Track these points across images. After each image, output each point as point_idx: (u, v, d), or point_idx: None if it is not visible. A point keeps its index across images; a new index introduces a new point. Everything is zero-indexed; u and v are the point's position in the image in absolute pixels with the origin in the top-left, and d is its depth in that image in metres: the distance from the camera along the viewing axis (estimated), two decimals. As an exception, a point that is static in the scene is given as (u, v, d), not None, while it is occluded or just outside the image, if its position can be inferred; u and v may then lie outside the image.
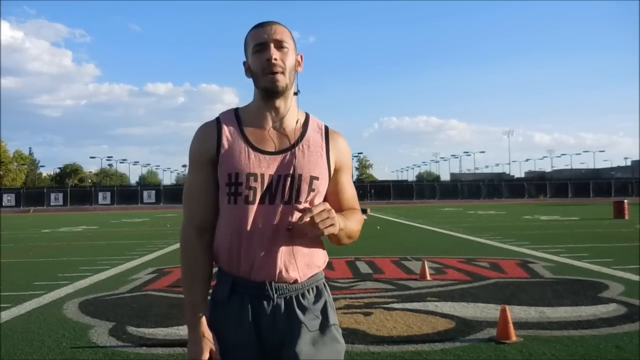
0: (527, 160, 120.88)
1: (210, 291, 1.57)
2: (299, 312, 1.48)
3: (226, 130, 1.50)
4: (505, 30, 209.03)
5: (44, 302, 5.93)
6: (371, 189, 56.28)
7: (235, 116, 1.54)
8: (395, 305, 5.38)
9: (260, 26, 1.49)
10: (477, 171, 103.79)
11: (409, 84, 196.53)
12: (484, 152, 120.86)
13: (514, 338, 4.09)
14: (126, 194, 55.44)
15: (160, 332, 4.56)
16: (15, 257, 10.73)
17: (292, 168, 1.46)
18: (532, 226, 16.97)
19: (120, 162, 79.62)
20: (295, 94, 1.53)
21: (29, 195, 53.23)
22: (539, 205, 40.78)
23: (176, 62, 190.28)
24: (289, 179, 1.45)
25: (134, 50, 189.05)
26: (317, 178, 1.48)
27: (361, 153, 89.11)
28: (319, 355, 1.45)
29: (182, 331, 4.56)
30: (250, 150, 1.47)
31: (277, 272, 1.46)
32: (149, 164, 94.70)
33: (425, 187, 58.84)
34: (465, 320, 4.76)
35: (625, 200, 21.34)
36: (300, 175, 1.46)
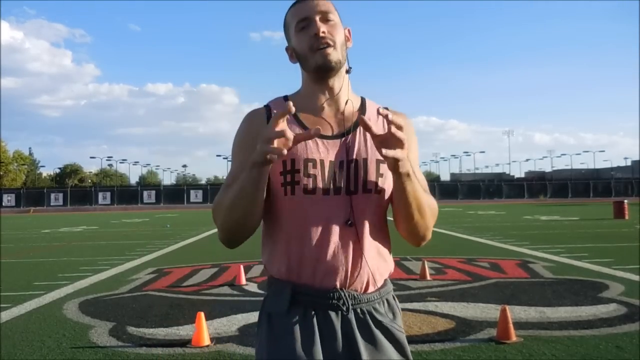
0: (527, 160, 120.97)
1: (260, 307, 1.37)
2: (373, 327, 1.26)
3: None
4: (505, 30, 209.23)
5: (44, 302, 5.93)
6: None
7: (285, 102, 1.30)
8: (396, 306, 5.37)
9: (300, 1, 1.32)
10: (477, 171, 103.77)
11: (409, 84, 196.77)
12: (484, 152, 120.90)
13: (514, 338, 4.08)
14: (126, 194, 55.43)
15: (160, 332, 4.56)
16: (16, 257, 10.72)
17: (355, 152, 1.27)
18: (532, 226, 16.97)
19: (120, 162, 79.73)
20: (348, 71, 1.35)
21: (29, 196, 53.23)
22: (539, 205, 40.77)
23: (176, 62, 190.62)
24: (353, 164, 1.27)
25: (133, 50, 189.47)
26: (383, 161, 1.24)
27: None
28: None
29: (181, 331, 4.56)
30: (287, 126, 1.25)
31: (348, 277, 1.25)
32: (149, 164, 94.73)
33: (425, 187, 58.77)
34: (466, 320, 4.76)
35: (625, 201, 21.35)
36: (365, 160, 1.27)
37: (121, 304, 5.78)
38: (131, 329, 4.67)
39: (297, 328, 1.24)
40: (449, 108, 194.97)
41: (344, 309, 1.24)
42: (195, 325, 4.23)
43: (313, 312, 1.25)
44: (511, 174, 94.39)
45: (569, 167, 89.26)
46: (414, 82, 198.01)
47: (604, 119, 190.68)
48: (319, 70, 1.29)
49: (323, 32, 1.27)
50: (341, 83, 1.33)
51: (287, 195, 1.25)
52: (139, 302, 5.86)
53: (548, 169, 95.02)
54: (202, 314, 4.23)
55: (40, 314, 5.35)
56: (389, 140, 1.13)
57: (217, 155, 78.47)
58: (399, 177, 1.18)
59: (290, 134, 1.12)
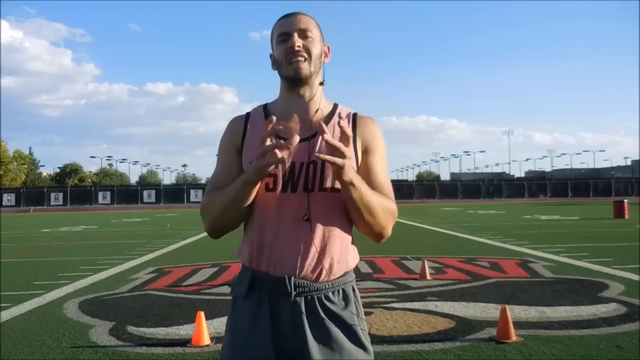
0: (527, 160, 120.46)
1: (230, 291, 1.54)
2: (322, 314, 1.39)
3: (254, 121, 1.51)
4: (505, 29, 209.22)
5: (44, 302, 5.93)
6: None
7: (264, 109, 1.55)
8: (395, 305, 5.38)
9: (286, 17, 1.49)
10: (477, 171, 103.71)
11: (409, 84, 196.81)
12: (484, 151, 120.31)
13: (514, 338, 4.09)
14: (126, 193, 55.41)
15: (161, 332, 4.56)
16: (16, 256, 10.73)
17: (313, 155, 1.39)
18: (532, 226, 16.98)
19: (120, 162, 79.60)
20: (321, 84, 1.50)
21: (29, 195, 53.21)
22: (539, 204, 40.78)
23: (176, 62, 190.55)
24: (311, 165, 1.41)
25: (133, 49, 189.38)
26: None
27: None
28: None
29: (181, 331, 4.56)
30: (273, 139, 1.39)
31: (298, 267, 1.38)
32: (149, 164, 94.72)
33: (425, 187, 58.82)
34: (466, 319, 4.76)
35: (625, 200, 21.34)
36: (323, 162, 1.39)
37: (121, 303, 5.78)
38: (131, 329, 4.67)
39: (251, 310, 1.42)
40: (449, 108, 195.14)
41: (293, 295, 1.38)
42: (196, 324, 4.23)
43: (267, 297, 1.41)
44: (511, 174, 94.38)
45: (569, 167, 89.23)
46: (414, 82, 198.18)
47: (604, 118, 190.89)
48: (289, 79, 1.46)
49: (298, 47, 1.43)
50: (312, 93, 1.48)
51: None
52: (139, 301, 5.86)
53: (548, 169, 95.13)
54: (202, 314, 4.24)
55: (41, 314, 5.35)
56: (336, 151, 1.26)
57: (217, 155, 78.40)
58: (343, 185, 1.32)
59: (277, 149, 1.27)
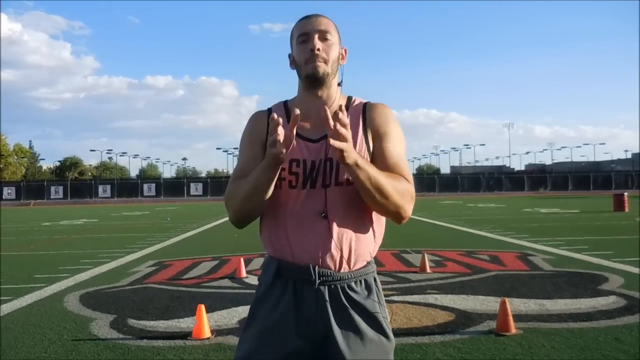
0: (528, 153, 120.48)
1: (257, 281, 1.59)
2: (346, 303, 1.45)
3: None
4: (506, 22, 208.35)
5: (44, 295, 5.94)
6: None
7: (284, 106, 1.60)
8: (395, 298, 5.39)
9: (306, 18, 1.53)
10: (477, 164, 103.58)
11: (409, 77, 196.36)
12: (484, 144, 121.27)
13: (513, 330, 4.10)
14: (126, 187, 55.44)
15: (161, 325, 4.58)
16: (16, 250, 10.75)
17: (330, 152, 1.44)
18: (532, 219, 16.99)
19: (120, 155, 79.40)
20: (339, 84, 1.56)
21: (29, 189, 53.23)
22: (539, 198, 40.80)
23: (176, 55, 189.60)
24: (328, 162, 1.47)
25: (133, 42, 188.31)
26: None
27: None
28: (366, 351, 1.43)
29: (182, 324, 4.58)
30: (295, 137, 1.45)
31: (320, 256, 1.44)
32: (148, 157, 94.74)
33: (426, 180, 58.79)
34: (465, 312, 4.77)
35: (625, 193, 21.33)
36: None
37: (122, 296, 5.80)
38: (132, 322, 4.68)
39: (277, 296, 1.48)
40: (449, 101, 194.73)
41: (316, 283, 1.44)
42: (196, 317, 4.24)
43: (292, 284, 1.47)
44: (511, 167, 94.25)
45: (569, 160, 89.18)
46: (414, 75, 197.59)
47: (605, 111, 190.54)
48: (308, 79, 1.50)
49: (318, 50, 1.48)
50: (330, 94, 1.54)
51: (276, 189, 1.47)
52: (140, 294, 5.88)
53: (548, 162, 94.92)
54: (202, 307, 4.25)
55: (41, 307, 5.37)
56: (336, 135, 1.30)
57: (217, 148, 78.48)
58: (348, 168, 1.35)
59: (285, 136, 1.34)
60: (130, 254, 9.54)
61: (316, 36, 1.49)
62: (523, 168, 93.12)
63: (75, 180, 66.97)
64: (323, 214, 1.45)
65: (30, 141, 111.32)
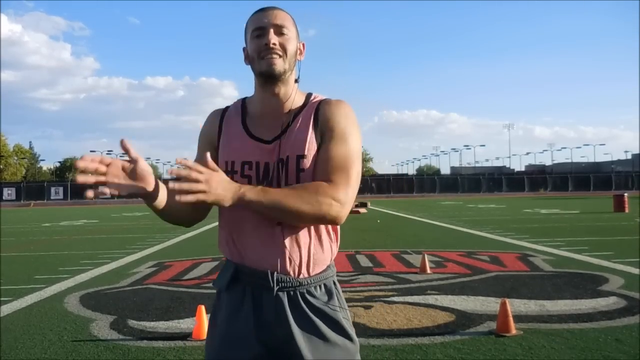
0: (528, 153, 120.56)
1: (213, 283, 1.55)
2: (306, 309, 1.41)
3: (229, 117, 1.51)
4: (506, 23, 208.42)
5: (44, 296, 5.94)
6: (371, 183, 56.28)
7: (242, 105, 1.54)
8: (396, 299, 5.39)
9: (261, 11, 1.45)
10: (477, 165, 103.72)
11: (410, 78, 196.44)
12: (484, 145, 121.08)
13: (513, 331, 4.10)
14: (126, 187, 55.41)
15: (161, 326, 4.57)
16: (16, 250, 10.74)
17: (282, 152, 1.41)
18: (532, 220, 16.98)
19: (120, 156, 79.30)
20: (296, 81, 1.49)
21: (30, 189, 53.26)
22: (539, 198, 40.78)
23: (176, 56, 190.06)
24: (280, 163, 1.41)
25: (133, 43, 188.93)
26: (303, 156, 1.39)
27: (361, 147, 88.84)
28: (331, 356, 1.39)
29: (182, 324, 4.57)
30: (248, 138, 1.45)
31: (279, 263, 1.39)
32: (148, 158, 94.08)
33: (426, 181, 58.83)
34: (466, 313, 4.77)
35: (626, 194, 21.32)
36: (287, 158, 1.40)
37: (122, 297, 5.80)
38: (132, 322, 4.68)
39: (235, 301, 1.44)
40: (449, 101, 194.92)
41: (275, 290, 1.39)
42: (196, 318, 4.24)
43: (251, 290, 1.42)
44: (511, 168, 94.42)
45: (570, 161, 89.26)
46: (414, 76, 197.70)
47: (605, 112, 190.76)
48: (263, 75, 1.43)
49: (273, 44, 1.40)
50: (287, 91, 1.46)
51: None
52: (140, 295, 5.87)
53: (548, 163, 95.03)
54: (202, 307, 4.25)
55: (41, 308, 5.37)
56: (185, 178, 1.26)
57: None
58: (232, 206, 1.31)
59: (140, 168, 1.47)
60: (130, 254, 9.53)
61: (272, 30, 1.41)
62: (523, 169, 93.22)
63: (75, 181, 66.89)
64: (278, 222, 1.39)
65: (30, 142, 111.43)
